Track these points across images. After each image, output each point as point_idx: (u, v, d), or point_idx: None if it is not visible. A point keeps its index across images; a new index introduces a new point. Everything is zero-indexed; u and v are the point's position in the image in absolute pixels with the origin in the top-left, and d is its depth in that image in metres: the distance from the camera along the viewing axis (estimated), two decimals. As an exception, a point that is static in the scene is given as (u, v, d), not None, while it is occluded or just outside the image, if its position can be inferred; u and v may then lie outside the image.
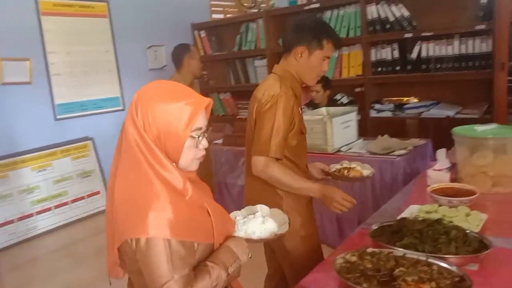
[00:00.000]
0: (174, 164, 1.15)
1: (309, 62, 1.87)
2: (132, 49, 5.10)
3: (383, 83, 4.45)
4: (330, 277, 1.38)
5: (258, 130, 1.83)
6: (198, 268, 1.13)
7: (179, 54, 3.44)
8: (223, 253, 1.20)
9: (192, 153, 1.17)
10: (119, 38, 4.98)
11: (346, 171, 2.10)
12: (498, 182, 2.01)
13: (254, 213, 1.47)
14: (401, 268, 1.31)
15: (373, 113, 4.34)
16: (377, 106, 4.35)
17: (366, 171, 2.11)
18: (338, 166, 2.15)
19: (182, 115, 1.11)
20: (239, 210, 1.55)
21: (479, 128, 2.12)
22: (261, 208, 1.52)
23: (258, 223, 1.40)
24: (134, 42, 5.10)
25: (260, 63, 5.10)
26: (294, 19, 1.99)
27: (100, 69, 4.89)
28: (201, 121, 1.16)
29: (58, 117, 4.57)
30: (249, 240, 1.34)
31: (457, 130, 2.14)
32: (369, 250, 1.43)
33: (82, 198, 4.65)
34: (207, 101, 1.18)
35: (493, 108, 3.67)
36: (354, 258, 1.41)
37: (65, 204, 4.52)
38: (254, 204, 1.56)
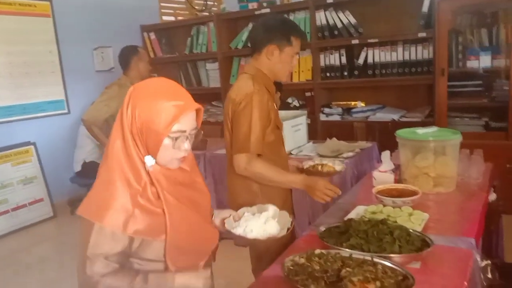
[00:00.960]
0: (152, 158, 1.21)
1: (281, 59, 1.92)
2: (77, 50, 4.92)
3: (332, 88, 4.56)
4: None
5: (236, 129, 1.86)
6: (128, 268, 1.22)
7: (126, 56, 3.34)
8: (160, 276, 1.22)
9: (170, 153, 1.22)
10: (64, 39, 4.78)
11: (320, 166, 2.16)
12: (439, 182, 2.10)
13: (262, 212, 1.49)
14: (347, 269, 1.32)
15: (322, 117, 4.44)
16: (326, 110, 4.45)
17: (338, 166, 2.19)
18: (310, 163, 2.21)
19: (166, 114, 1.16)
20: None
21: (421, 131, 2.21)
22: (270, 209, 1.51)
23: (260, 223, 1.41)
24: (79, 42, 4.92)
25: (212, 66, 5.08)
26: (259, 20, 2.02)
27: (43, 71, 4.68)
28: (185, 124, 1.20)
29: (-2, 120, 4.32)
30: (243, 238, 1.37)
31: (400, 133, 2.21)
32: (317, 251, 1.44)
33: (24, 206, 4.42)
34: (195, 106, 1.21)
35: (434, 111, 3.86)
36: (302, 260, 1.41)
37: (6, 212, 4.28)
38: (237, 204, 1.64)
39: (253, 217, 1.45)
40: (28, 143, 4.53)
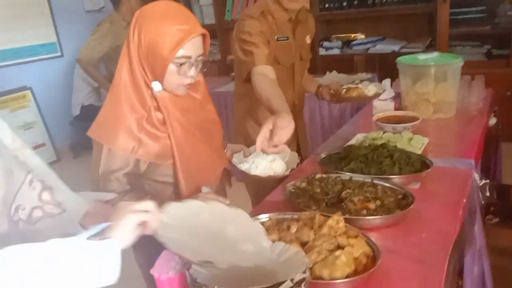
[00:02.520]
0: (159, 84, 1.20)
1: None
2: (65, -11, 4.72)
3: (330, 20, 4.42)
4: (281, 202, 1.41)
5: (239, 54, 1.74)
6: (137, 190, 1.27)
7: (116, -10, 3.21)
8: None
9: (176, 79, 1.19)
10: (50, -23, 4.58)
11: (344, 90, 1.95)
12: (439, 108, 2.09)
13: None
14: (348, 190, 1.35)
15: (321, 51, 4.34)
16: (326, 44, 4.35)
17: (371, 90, 1.97)
18: (347, 86, 2.01)
19: (171, 39, 1.13)
20: None
21: (422, 57, 2.16)
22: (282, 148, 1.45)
23: (266, 161, 1.39)
24: (67, -20, 4.72)
25: (206, 2, 4.89)
26: None
27: (32, 12, 4.51)
28: (190, 50, 1.17)
29: (-10, 66, 4.24)
30: (246, 174, 1.37)
31: (401, 59, 2.17)
32: (318, 176, 1.46)
33: (26, 151, 4.44)
34: (200, 31, 1.17)
35: (436, 41, 3.77)
36: (303, 184, 1.44)
37: (8, 158, 4.31)
38: (243, 142, 1.62)
39: (262, 154, 1.42)
40: (24, 88, 4.47)
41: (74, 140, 4.74)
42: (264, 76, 1.64)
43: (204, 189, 1.27)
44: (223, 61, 4.77)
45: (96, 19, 4.52)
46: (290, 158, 1.48)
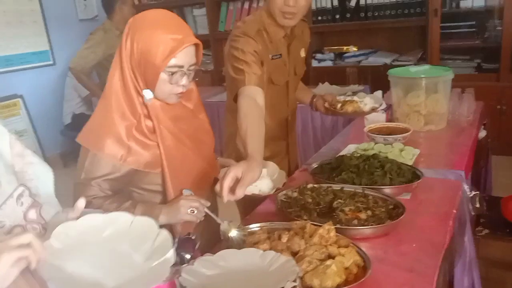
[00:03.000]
0: (150, 92, 1.19)
1: None
2: (58, -3, 4.73)
3: (323, 32, 4.46)
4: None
5: (231, 72, 1.61)
6: (122, 194, 1.25)
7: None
8: (150, 207, 1.22)
9: (167, 88, 1.19)
10: (44, -14, 4.58)
11: (339, 105, 1.87)
12: (430, 120, 2.10)
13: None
14: (339, 200, 1.35)
15: (314, 63, 4.38)
16: (319, 56, 4.38)
17: (368, 105, 1.88)
18: (342, 98, 1.93)
19: (163, 47, 1.13)
20: None
21: (413, 69, 2.19)
22: (270, 166, 1.45)
23: None
24: (60, -11, 4.72)
25: (199, 12, 4.93)
26: None
27: (25, 20, 4.50)
28: (183, 59, 1.16)
29: (-19, 73, 4.21)
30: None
31: (393, 71, 2.19)
32: (309, 186, 1.46)
33: (16, 159, 4.39)
34: (193, 41, 1.17)
35: (427, 54, 3.82)
36: (295, 194, 1.43)
37: (-3, 166, 4.26)
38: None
39: None
40: (15, 96, 4.43)
41: (64, 149, 4.71)
42: (252, 101, 1.47)
43: (185, 192, 1.26)
44: (216, 71, 4.79)
45: (89, 28, 4.52)
46: (278, 176, 1.47)
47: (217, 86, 4.40)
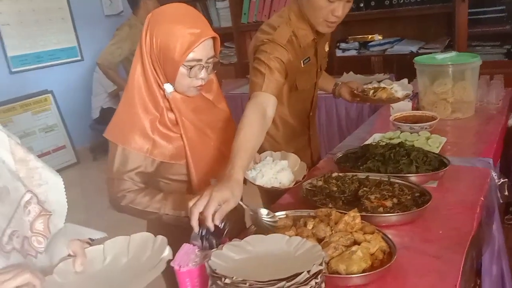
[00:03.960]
0: (171, 86, 1.23)
1: (311, 2, 1.52)
2: (85, -6, 4.83)
3: (347, 21, 4.39)
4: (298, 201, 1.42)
5: (252, 74, 1.56)
6: (152, 188, 1.28)
7: (134, -6, 3.27)
8: (181, 198, 1.24)
9: (186, 81, 1.21)
10: (71, -17, 4.69)
11: (372, 91, 1.84)
12: (457, 108, 2.07)
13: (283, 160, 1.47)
14: (365, 188, 1.35)
15: (338, 53, 4.33)
16: (343, 45, 4.34)
17: (398, 91, 1.85)
18: (369, 86, 1.90)
19: (182, 42, 1.15)
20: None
21: (439, 56, 2.15)
22: (291, 158, 1.49)
23: (273, 171, 1.39)
24: (87, -14, 4.83)
25: (222, 5, 4.93)
26: None
27: (53, 17, 4.63)
28: (201, 53, 1.18)
29: (14, 70, 4.35)
30: (253, 183, 1.36)
31: (419, 59, 2.17)
32: (334, 174, 1.47)
33: (48, 153, 4.54)
34: (211, 34, 1.19)
35: (454, 41, 3.73)
36: (320, 183, 1.45)
37: (30, 160, 4.42)
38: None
39: (271, 163, 1.44)
40: (45, 92, 4.58)
41: (93, 142, 4.83)
42: (259, 112, 1.37)
43: (213, 182, 1.29)
44: (240, 63, 4.80)
45: (115, 23, 4.62)
46: (299, 168, 1.49)
47: (241, 79, 4.41)
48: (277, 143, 1.79)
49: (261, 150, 1.49)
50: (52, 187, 0.90)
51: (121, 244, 0.97)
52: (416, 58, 2.17)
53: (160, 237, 0.95)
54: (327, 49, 1.86)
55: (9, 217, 0.77)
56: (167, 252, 0.90)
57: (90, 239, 0.96)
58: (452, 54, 2.18)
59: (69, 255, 0.89)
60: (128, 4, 3.38)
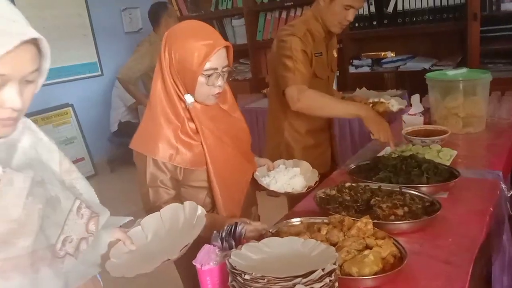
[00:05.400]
0: (191, 96, 1.32)
1: (330, 8, 1.88)
2: (106, 12, 5.00)
3: (360, 39, 4.49)
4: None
5: (280, 67, 1.88)
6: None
7: (156, 12, 3.40)
8: (213, 219, 1.31)
9: (205, 90, 1.30)
10: (92, 1, 4.87)
11: (370, 105, 2.05)
12: (468, 122, 2.11)
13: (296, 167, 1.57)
14: (377, 198, 1.40)
15: (351, 69, 4.40)
16: (356, 62, 4.41)
17: (395, 106, 2.07)
18: (370, 100, 2.13)
19: (198, 53, 1.25)
20: None
21: (451, 72, 2.21)
22: (303, 165, 1.59)
23: (287, 177, 1.49)
24: (107, 4, 5.00)
25: (238, 23, 5.07)
26: None
27: (74, 34, 4.80)
28: (216, 62, 1.28)
29: (36, 84, 4.51)
30: (266, 189, 1.47)
31: (430, 75, 2.23)
32: (347, 184, 1.53)
33: (67, 165, 4.65)
34: (223, 43, 1.29)
35: (467, 59, 3.77)
36: (333, 192, 1.50)
37: (51, 171, 4.54)
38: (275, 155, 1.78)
39: (284, 170, 1.54)
40: (66, 105, 4.73)
41: (111, 155, 4.95)
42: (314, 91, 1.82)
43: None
44: (255, 78, 4.90)
45: (134, 40, 4.78)
46: (311, 175, 1.56)
47: (256, 94, 4.50)
48: (298, 133, 2.04)
49: (280, 146, 1.98)
50: (89, 195, 0.98)
51: (154, 220, 1.11)
52: (428, 74, 2.23)
53: (187, 202, 1.11)
54: (335, 55, 2.16)
55: (61, 224, 0.83)
56: (200, 210, 1.08)
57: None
58: (463, 70, 2.24)
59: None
60: (147, 21, 3.51)
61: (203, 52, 1.25)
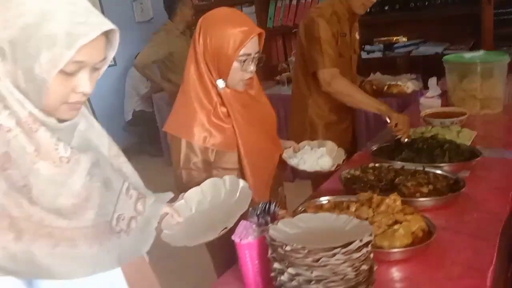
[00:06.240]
0: (223, 81, 1.36)
1: None
2: (117, 2, 5.01)
3: (372, 24, 4.48)
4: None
5: (310, 49, 1.99)
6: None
7: (172, 2, 3.43)
8: None
9: (239, 75, 1.35)
10: (103, -9, 4.89)
11: (386, 87, 2.16)
12: (486, 104, 2.14)
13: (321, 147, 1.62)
14: (401, 177, 1.44)
15: (363, 55, 4.40)
16: (367, 47, 4.41)
17: (410, 88, 2.19)
18: (389, 83, 2.25)
19: (234, 39, 1.29)
20: None
21: (468, 55, 2.23)
22: (329, 145, 1.64)
23: (314, 157, 1.55)
24: (118, -6, 5.03)
25: (249, 10, 5.05)
26: None
27: (88, 24, 4.83)
28: (250, 47, 1.32)
29: (50, 75, 4.56)
30: (294, 169, 1.52)
31: (448, 58, 2.25)
32: (371, 165, 1.57)
33: (83, 154, 4.72)
34: (258, 30, 1.33)
35: (480, 42, 3.76)
36: (357, 172, 1.54)
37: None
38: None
39: (310, 151, 1.59)
40: (81, 95, 4.77)
41: (126, 143, 4.99)
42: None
43: None
44: (266, 66, 4.92)
45: (145, 30, 4.81)
46: (337, 154, 1.60)
47: (266, 81, 4.53)
48: (322, 110, 2.12)
49: (304, 122, 2.11)
50: (135, 178, 1.02)
51: (196, 194, 1.21)
52: (446, 57, 2.26)
53: (227, 176, 1.23)
54: (357, 37, 2.25)
55: (114, 203, 0.89)
56: (242, 182, 1.18)
57: None
58: (480, 53, 2.25)
59: None
60: (158, 11, 3.54)
61: (239, 38, 1.29)
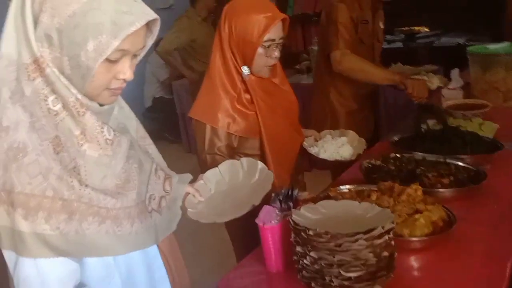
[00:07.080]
0: (247, 68, 1.38)
1: None
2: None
3: (393, 14, 4.42)
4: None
5: (327, 32, 2.04)
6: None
7: (194, -11, 3.45)
8: None
9: (263, 61, 1.38)
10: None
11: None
12: (509, 97, 2.12)
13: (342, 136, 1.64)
14: (422, 167, 1.45)
15: (384, 45, 4.35)
16: (388, 37, 4.36)
17: (435, 84, 2.16)
18: (412, 77, 2.21)
19: (258, 25, 1.32)
20: None
21: (492, 46, 2.21)
22: (350, 134, 1.66)
23: (335, 146, 1.56)
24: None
25: (269, -1, 5.05)
26: None
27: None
28: (274, 33, 1.34)
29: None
30: (316, 158, 1.54)
31: (471, 49, 2.23)
32: (392, 155, 1.58)
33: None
34: (282, 16, 1.36)
35: (503, 33, 3.69)
36: (378, 162, 1.55)
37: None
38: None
39: (331, 140, 1.60)
40: (101, 81, 4.83)
41: (146, 129, 5.06)
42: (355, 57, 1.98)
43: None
44: (287, 55, 4.91)
45: (165, 16, 4.76)
46: (358, 143, 1.61)
47: (288, 69, 4.53)
48: (343, 97, 2.15)
49: (325, 109, 2.13)
50: (160, 159, 1.06)
51: (214, 175, 1.24)
52: (469, 48, 2.24)
53: (244, 158, 1.27)
54: (382, 26, 2.25)
55: (146, 183, 0.92)
56: (260, 164, 1.23)
57: None
58: (504, 44, 2.23)
59: None
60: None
61: (263, 24, 1.31)
